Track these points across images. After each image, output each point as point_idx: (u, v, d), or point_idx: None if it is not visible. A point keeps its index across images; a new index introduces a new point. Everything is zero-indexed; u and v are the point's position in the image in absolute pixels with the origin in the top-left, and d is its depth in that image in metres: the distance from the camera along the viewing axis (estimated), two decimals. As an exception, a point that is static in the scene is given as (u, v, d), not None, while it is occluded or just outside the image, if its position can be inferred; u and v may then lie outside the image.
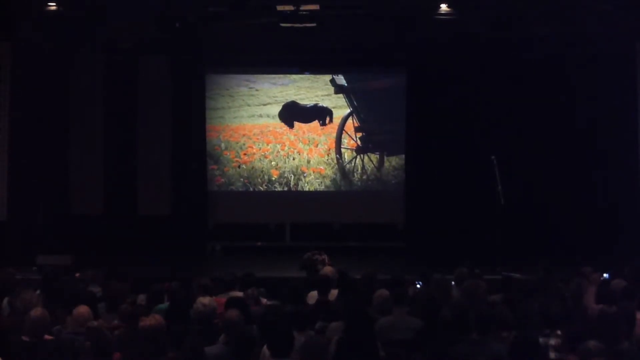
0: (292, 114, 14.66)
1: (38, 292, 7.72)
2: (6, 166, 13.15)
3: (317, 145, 14.68)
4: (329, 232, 14.37)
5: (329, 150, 14.66)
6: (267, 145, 14.67)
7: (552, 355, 6.06)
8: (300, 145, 14.68)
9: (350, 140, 14.68)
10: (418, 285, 8.74)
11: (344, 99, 14.63)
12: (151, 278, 8.69)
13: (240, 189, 14.71)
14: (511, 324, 6.33)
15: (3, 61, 13.11)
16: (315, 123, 14.65)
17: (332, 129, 14.65)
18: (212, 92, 14.59)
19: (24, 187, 13.30)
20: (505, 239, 11.38)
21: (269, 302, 7.64)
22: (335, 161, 14.67)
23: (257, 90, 14.67)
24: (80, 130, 14.22)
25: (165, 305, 7.33)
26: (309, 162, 14.68)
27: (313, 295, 7.99)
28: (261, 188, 14.69)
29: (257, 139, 14.67)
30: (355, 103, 14.65)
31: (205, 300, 6.76)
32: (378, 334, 6.42)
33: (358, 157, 14.72)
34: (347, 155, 14.69)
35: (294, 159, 14.68)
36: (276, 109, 14.63)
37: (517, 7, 11.56)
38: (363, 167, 14.73)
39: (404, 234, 14.42)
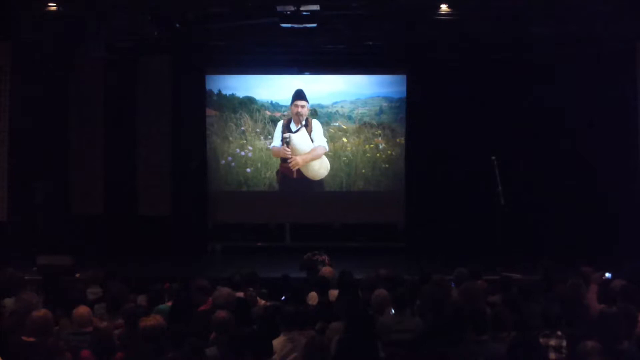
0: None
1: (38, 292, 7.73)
2: (6, 166, 13.14)
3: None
4: (329, 232, 14.37)
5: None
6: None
7: (552, 355, 6.06)
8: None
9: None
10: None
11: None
12: (151, 278, 8.70)
13: (240, 189, 14.69)
14: (511, 325, 6.33)
15: (3, 61, 13.10)
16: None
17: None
18: (212, 92, 14.58)
19: (24, 187, 13.30)
20: (505, 239, 11.37)
21: (267, 303, 7.62)
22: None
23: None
24: (80, 130, 14.23)
25: (165, 305, 7.33)
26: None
27: (313, 296, 7.99)
28: (261, 188, 14.69)
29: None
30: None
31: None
32: (378, 334, 6.42)
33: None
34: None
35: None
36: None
37: (517, 7, 11.54)
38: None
39: (404, 234, 14.42)
